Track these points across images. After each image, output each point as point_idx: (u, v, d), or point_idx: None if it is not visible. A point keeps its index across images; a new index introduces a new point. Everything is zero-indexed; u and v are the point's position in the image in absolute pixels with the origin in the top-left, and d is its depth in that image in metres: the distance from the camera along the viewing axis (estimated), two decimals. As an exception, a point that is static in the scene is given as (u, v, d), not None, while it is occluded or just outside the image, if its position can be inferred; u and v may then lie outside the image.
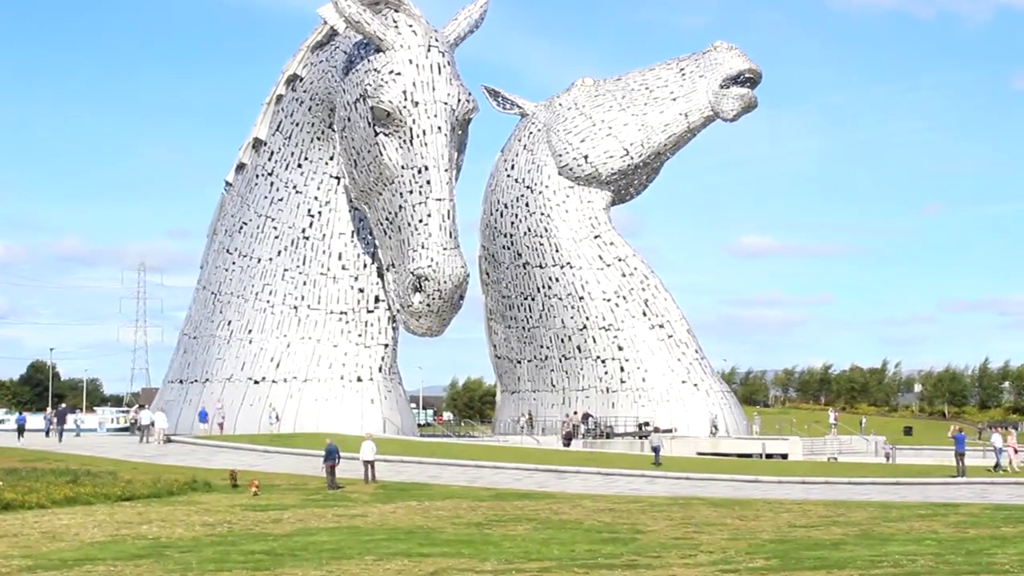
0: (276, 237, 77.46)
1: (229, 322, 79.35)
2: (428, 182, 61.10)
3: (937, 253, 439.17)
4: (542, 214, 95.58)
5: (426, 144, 61.40)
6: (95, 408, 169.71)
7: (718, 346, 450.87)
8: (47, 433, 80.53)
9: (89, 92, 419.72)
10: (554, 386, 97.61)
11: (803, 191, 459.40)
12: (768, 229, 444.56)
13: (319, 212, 75.88)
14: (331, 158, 74.06)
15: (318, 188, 75.67)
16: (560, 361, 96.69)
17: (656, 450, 65.48)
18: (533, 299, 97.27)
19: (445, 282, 60.60)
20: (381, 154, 62.31)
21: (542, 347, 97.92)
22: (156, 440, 71.52)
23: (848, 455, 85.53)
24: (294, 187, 76.46)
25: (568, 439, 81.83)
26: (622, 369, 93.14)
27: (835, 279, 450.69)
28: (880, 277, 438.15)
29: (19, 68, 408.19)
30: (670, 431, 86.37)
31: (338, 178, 73.93)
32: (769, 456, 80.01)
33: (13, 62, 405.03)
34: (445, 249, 60.61)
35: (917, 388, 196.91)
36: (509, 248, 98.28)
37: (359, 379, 75.04)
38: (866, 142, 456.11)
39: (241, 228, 79.92)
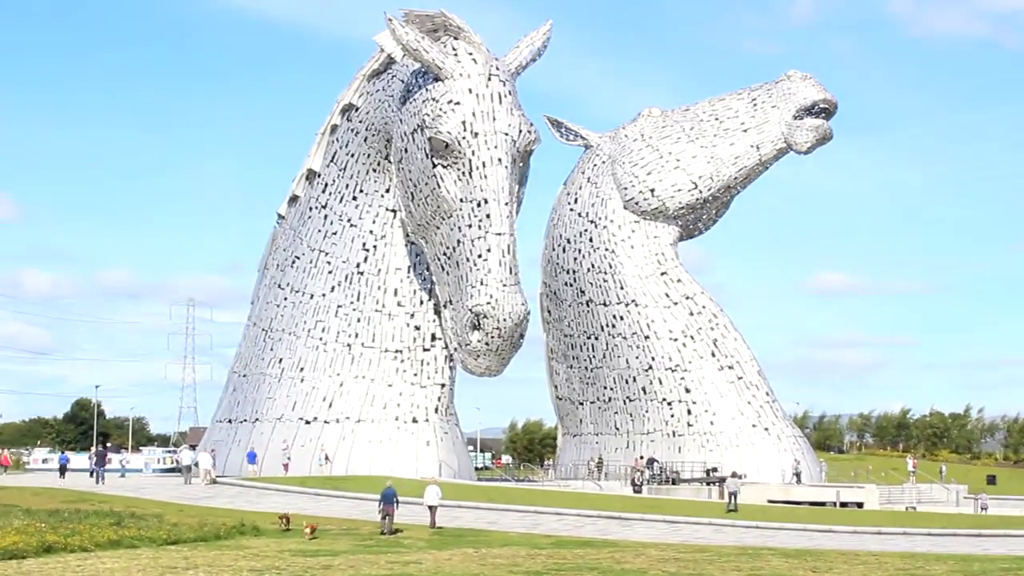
0: (330, 272, 77.86)
1: (280, 360, 79.76)
2: (488, 216, 61.19)
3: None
4: (606, 249, 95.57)
5: (486, 176, 61.52)
6: (141, 448, 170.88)
7: (790, 389, 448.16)
8: (91, 473, 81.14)
9: (140, 119, 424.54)
10: (618, 429, 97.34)
11: (883, 226, 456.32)
12: (845, 266, 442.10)
13: (374, 246, 76.23)
14: (387, 190, 74.45)
15: (373, 221, 76.05)
16: (624, 403, 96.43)
17: (733, 495, 65.23)
18: (596, 338, 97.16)
19: (505, 320, 60.60)
20: (439, 186, 62.50)
21: (605, 388, 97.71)
22: (200, 481, 71.91)
23: (927, 504, 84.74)
24: (349, 220, 76.88)
25: (638, 485, 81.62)
26: (689, 412, 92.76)
27: (917, 319, 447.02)
28: (966, 317, 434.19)
29: (68, 93, 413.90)
30: (740, 477, 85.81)
31: (394, 211, 74.27)
32: (844, 504, 79.41)
33: (64, 87, 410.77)
34: (505, 285, 60.63)
35: (999, 435, 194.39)
36: (572, 285, 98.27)
37: (414, 420, 75.13)
38: (950, 175, 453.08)
39: (294, 262, 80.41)
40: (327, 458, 74.46)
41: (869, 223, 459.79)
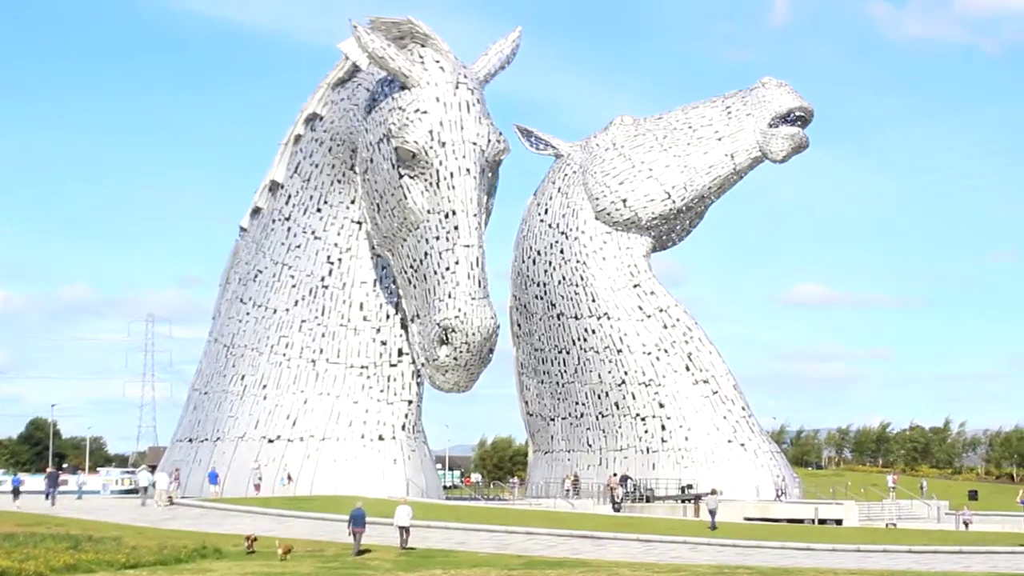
0: (293, 286, 77.71)
1: (242, 377, 79.50)
2: (456, 227, 61.13)
3: (1006, 304, 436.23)
4: (578, 261, 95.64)
5: (454, 187, 61.48)
6: (99, 468, 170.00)
7: (767, 403, 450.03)
8: (47, 496, 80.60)
9: (95, 130, 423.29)
10: (590, 445, 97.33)
11: (860, 237, 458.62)
12: (822, 278, 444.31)
13: (339, 259, 76.11)
14: (352, 202, 74.39)
15: (338, 234, 75.95)
16: (597, 419, 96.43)
17: (712, 513, 65.39)
18: (568, 352, 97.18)
19: (474, 334, 60.51)
20: (406, 198, 62.42)
21: (577, 404, 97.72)
22: (156, 502, 71.61)
23: (908, 521, 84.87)
24: (313, 233, 76.76)
25: (618, 503, 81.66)
26: (663, 427, 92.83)
27: (895, 332, 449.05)
28: (944, 330, 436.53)
29: (21, 100, 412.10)
30: (714, 494, 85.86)
31: (360, 223, 74.20)
32: (822, 522, 79.51)
33: (17, 94, 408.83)
34: (474, 299, 60.55)
35: (981, 449, 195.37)
36: (542, 298, 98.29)
37: (381, 438, 74.95)
38: (928, 184, 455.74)
39: (256, 276, 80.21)
40: (289, 477, 74.28)
41: (846, 233, 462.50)
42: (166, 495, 71.92)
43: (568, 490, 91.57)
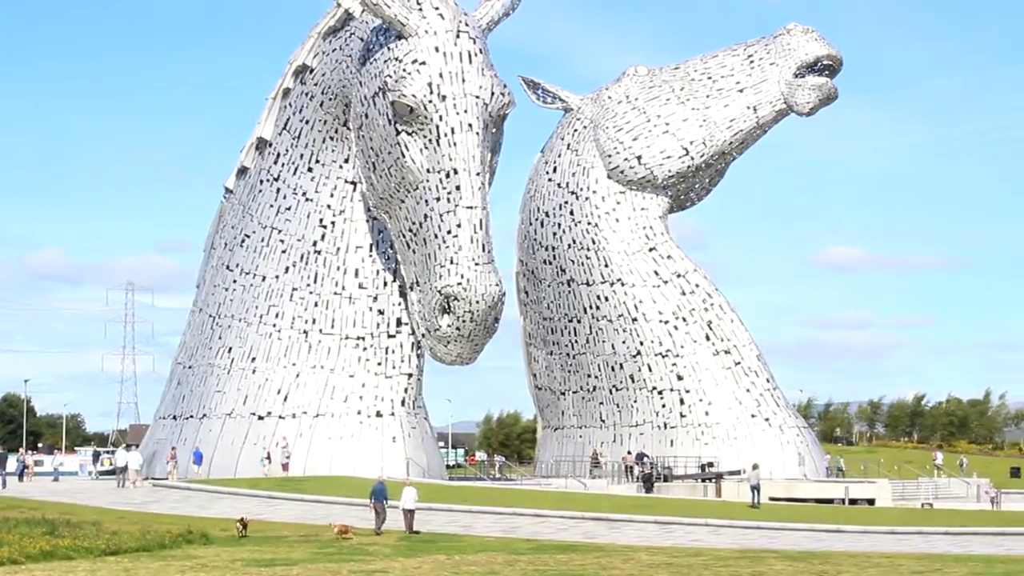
0: (283, 251, 77.72)
1: (230, 349, 79.62)
2: (457, 187, 61.10)
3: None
4: (589, 223, 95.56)
5: (455, 144, 61.41)
6: (76, 448, 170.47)
7: (794, 374, 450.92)
8: (20, 477, 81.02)
9: (67, 85, 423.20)
10: (603, 421, 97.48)
11: (897, 194, 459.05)
12: (856, 239, 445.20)
13: (332, 223, 76.12)
14: (346, 160, 74.35)
15: (331, 195, 75.93)
16: (610, 392, 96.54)
17: (755, 490, 65.69)
18: (579, 321, 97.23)
19: (477, 302, 60.55)
20: (403, 156, 62.37)
21: (589, 376, 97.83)
22: (130, 483, 71.93)
23: (945, 500, 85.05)
24: (304, 194, 76.74)
25: (648, 482, 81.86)
26: (682, 402, 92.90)
27: (936, 296, 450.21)
28: (989, 294, 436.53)
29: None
30: (737, 472, 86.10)
31: (354, 183, 74.18)
32: (853, 502, 79.67)
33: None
34: (477, 264, 60.56)
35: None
36: (551, 263, 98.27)
37: (379, 414, 75.12)
38: (972, 135, 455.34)
39: (243, 241, 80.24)
40: (269, 457, 74.36)
41: (882, 190, 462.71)
42: (138, 475, 72.35)
43: (590, 470, 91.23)
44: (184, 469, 77.23)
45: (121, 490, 71.15)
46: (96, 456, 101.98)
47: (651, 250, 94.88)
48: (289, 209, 77.56)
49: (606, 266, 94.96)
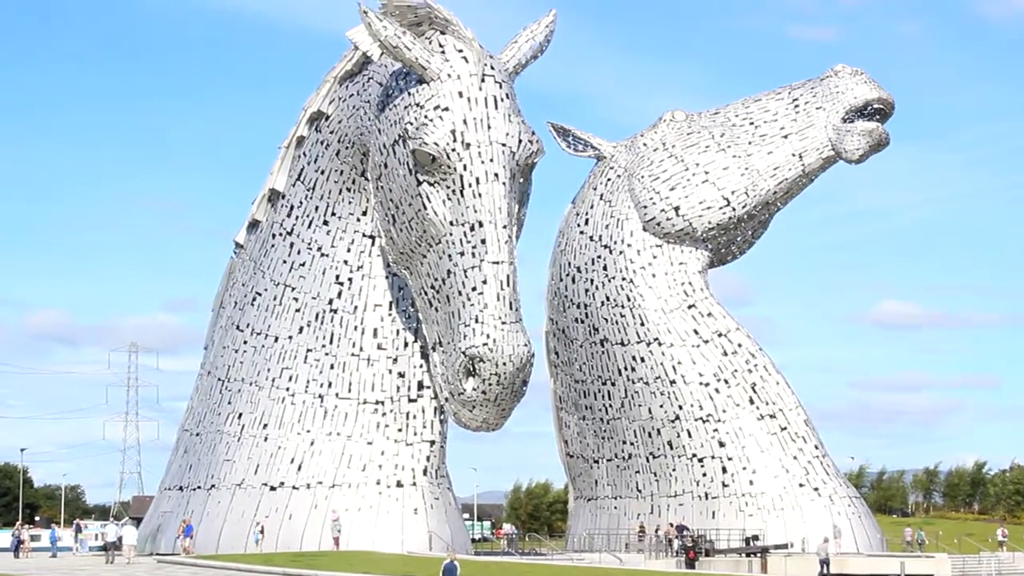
0: (297, 310, 77.85)
1: (240, 415, 79.62)
2: (483, 241, 61.04)
3: None
4: (623, 279, 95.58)
5: (480, 195, 61.40)
6: (79, 522, 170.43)
7: (844, 440, 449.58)
8: (15, 553, 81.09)
9: (72, 134, 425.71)
10: (640, 491, 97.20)
11: (953, 246, 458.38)
12: (910, 294, 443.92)
13: (349, 279, 76.27)
14: (364, 213, 74.57)
15: (348, 250, 76.12)
16: (647, 460, 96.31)
17: (824, 564, 65.62)
18: (613, 384, 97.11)
19: (504, 364, 60.42)
20: (425, 207, 62.41)
21: (624, 443, 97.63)
22: (125, 559, 71.93)
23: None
24: (319, 249, 76.93)
25: (690, 556, 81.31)
26: (724, 470, 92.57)
27: (998, 355, 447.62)
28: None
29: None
30: (784, 546, 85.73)
31: (373, 238, 74.36)
32: (910, 578, 79.22)
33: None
34: (504, 323, 60.47)
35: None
36: (583, 321, 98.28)
37: (399, 484, 75.00)
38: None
39: (254, 300, 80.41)
40: (262, 531, 74.16)
41: (938, 242, 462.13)
42: (134, 551, 72.46)
43: (639, 543, 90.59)
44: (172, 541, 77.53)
45: (116, 567, 71.03)
46: (78, 529, 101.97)
47: (690, 307, 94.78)
48: (303, 265, 77.71)
49: (642, 325, 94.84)
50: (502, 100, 62.88)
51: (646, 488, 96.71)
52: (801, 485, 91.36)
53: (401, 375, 75.85)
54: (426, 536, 73.26)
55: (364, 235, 75.40)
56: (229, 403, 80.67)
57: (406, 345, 75.70)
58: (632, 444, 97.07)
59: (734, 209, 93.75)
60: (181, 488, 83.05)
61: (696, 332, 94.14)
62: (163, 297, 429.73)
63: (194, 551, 74.67)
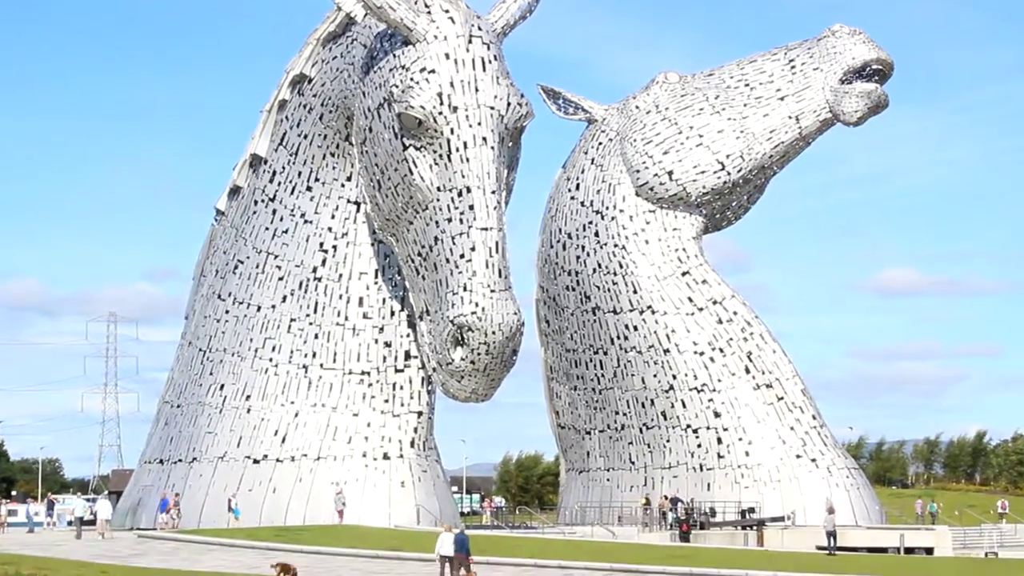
0: (280, 278, 77.85)
1: (222, 386, 79.67)
2: (471, 207, 61.08)
3: None
4: (615, 245, 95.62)
5: (468, 160, 61.43)
6: (56, 496, 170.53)
7: (843, 410, 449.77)
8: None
9: (48, 102, 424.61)
10: (633, 463, 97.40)
11: (956, 211, 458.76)
12: (910, 260, 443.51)
13: (334, 247, 76.27)
14: (348, 179, 74.52)
15: (332, 216, 76.09)
16: (640, 431, 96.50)
17: (831, 536, 65.86)
18: (605, 353, 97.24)
19: (493, 332, 60.52)
20: (411, 173, 62.43)
21: (617, 414, 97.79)
22: (99, 534, 72.05)
23: (1012, 549, 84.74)
24: (302, 215, 76.90)
25: (685, 527, 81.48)
26: (720, 441, 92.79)
27: (1000, 324, 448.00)
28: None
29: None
30: (781, 519, 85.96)
31: (358, 204, 74.32)
32: (909, 551, 79.42)
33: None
34: (493, 291, 60.54)
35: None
36: (574, 289, 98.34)
37: (386, 456, 75.15)
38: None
39: (236, 268, 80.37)
40: (230, 506, 74.26)
41: (939, 207, 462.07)
42: (109, 526, 72.57)
43: (644, 516, 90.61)
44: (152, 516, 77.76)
45: (91, 543, 71.15)
46: (50, 505, 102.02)
47: (684, 274, 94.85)
48: (286, 232, 77.67)
49: (635, 292, 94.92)
50: (490, 62, 62.88)
51: (639, 460, 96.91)
52: (798, 456, 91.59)
53: (387, 345, 75.90)
54: (414, 509, 73.44)
55: (349, 201, 75.36)
56: (211, 374, 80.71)
57: (392, 314, 75.75)
58: (625, 415, 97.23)
59: (729, 173, 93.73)
60: (162, 461, 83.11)
61: (690, 300, 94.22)
62: (142, 266, 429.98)
63: (171, 525, 74.63)
